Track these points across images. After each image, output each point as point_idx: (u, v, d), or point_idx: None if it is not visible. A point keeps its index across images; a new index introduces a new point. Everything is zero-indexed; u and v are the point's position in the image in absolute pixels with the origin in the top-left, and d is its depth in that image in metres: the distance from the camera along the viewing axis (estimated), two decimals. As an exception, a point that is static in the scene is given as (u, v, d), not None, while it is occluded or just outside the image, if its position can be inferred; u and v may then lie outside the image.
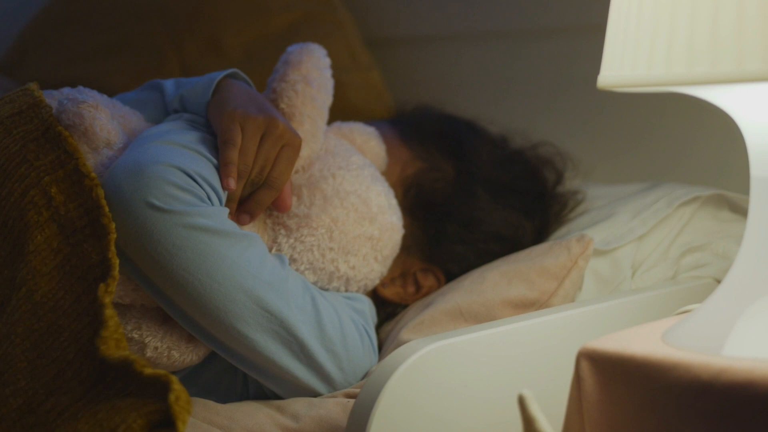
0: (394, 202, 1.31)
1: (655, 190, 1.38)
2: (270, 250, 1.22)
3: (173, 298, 1.12)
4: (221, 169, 1.15)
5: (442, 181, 1.39)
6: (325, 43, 1.88)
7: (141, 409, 0.99)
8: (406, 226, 1.35)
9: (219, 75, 1.24)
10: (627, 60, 0.91)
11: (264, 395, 1.20)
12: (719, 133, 1.50)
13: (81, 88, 1.21)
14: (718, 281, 1.27)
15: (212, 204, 1.13)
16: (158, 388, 1.00)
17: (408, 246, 1.35)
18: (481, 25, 1.86)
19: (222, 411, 1.14)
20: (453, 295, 1.27)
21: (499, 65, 1.83)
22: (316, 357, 1.15)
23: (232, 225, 1.13)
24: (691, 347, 0.92)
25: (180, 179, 1.10)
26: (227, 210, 1.14)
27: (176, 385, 0.99)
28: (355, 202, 1.25)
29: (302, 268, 1.23)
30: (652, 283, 1.30)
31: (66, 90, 1.21)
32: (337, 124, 1.38)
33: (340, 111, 1.83)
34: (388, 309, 1.36)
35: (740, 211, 1.37)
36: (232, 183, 1.14)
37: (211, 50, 1.86)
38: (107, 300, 1.04)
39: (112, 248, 1.06)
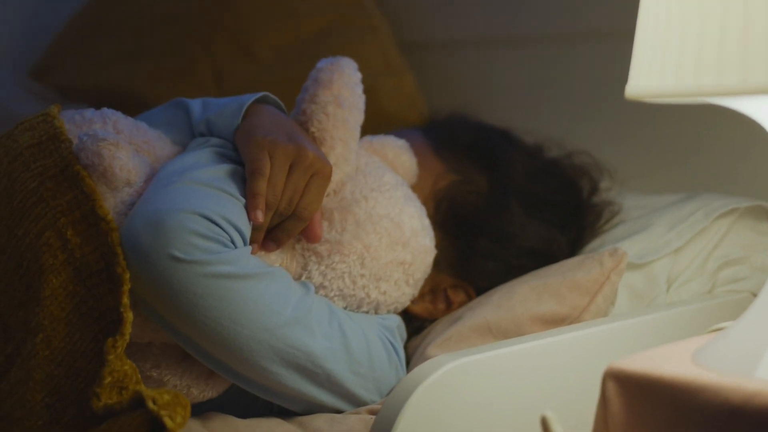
0: (426, 222, 1.28)
1: (691, 202, 1.35)
2: (299, 277, 1.20)
3: (195, 340, 1.10)
4: (248, 201, 1.12)
5: (474, 195, 1.36)
6: (357, 48, 1.88)
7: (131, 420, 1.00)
8: (436, 241, 1.31)
9: (248, 99, 1.21)
10: (655, 70, 0.88)
11: (285, 410, 1.18)
12: (760, 144, 1.47)
13: (105, 111, 1.19)
14: (756, 295, 1.24)
15: (236, 246, 1.10)
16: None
17: (438, 262, 1.32)
18: (517, 30, 1.84)
19: (242, 427, 1.12)
20: (482, 310, 1.24)
21: (535, 70, 1.81)
22: (343, 383, 1.14)
23: (255, 262, 1.11)
24: (723, 368, 0.89)
25: (202, 227, 1.07)
26: (249, 248, 1.12)
27: (147, 392, 0.99)
28: (388, 226, 1.22)
29: (332, 294, 1.20)
30: (688, 297, 1.27)
31: (89, 113, 1.19)
32: (367, 139, 1.34)
33: (373, 117, 1.81)
34: (416, 323, 1.34)
35: (781, 223, 1.33)
36: (260, 215, 1.11)
37: (242, 54, 1.86)
38: (111, 357, 1.02)
39: (125, 300, 1.05)
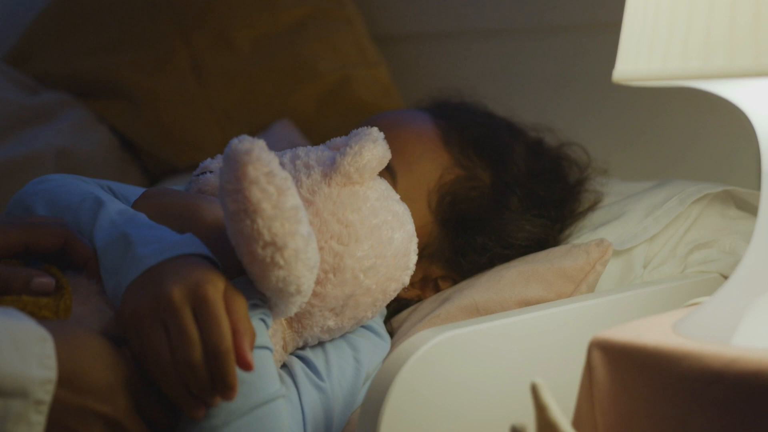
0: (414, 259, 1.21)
1: (665, 188, 1.39)
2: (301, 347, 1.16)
3: None
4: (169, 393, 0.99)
5: (477, 191, 1.35)
6: (333, 39, 1.90)
7: None
8: (434, 234, 1.33)
9: (146, 263, 1.02)
10: (643, 53, 0.92)
11: None
12: (725, 129, 1.52)
13: None
14: (725, 276, 1.29)
15: None
16: None
17: (432, 253, 1.34)
18: (488, 22, 1.87)
19: None
20: (470, 291, 1.27)
21: (506, 62, 1.84)
22: None
23: None
24: (702, 337, 0.94)
25: None
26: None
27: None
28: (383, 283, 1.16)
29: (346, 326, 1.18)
30: (661, 279, 1.32)
31: None
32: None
33: (348, 107, 1.85)
34: (403, 302, 1.36)
35: (747, 207, 1.38)
36: (198, 410, 0.99)
37: (220, 45, 1.87)
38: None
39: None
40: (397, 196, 1.19)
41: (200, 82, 1.85)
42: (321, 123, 1.84)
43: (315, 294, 1.11)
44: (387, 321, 1.33)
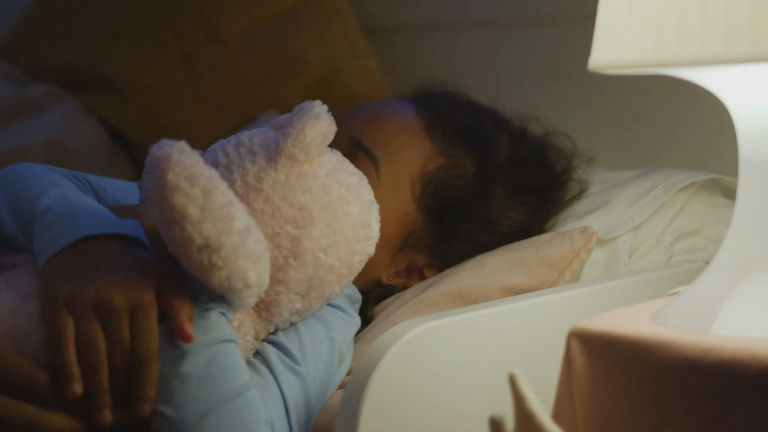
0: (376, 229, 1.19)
1: (650, 177, 1.39)
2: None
3: None
4: (60, 374, 0.99)
5: (461, 179, 1.35)
6: (322, 30, 1.90)
7: None
8: (418, 222, 1.33)
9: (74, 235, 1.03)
10: (618, 42, 0.92)
11: None
12: (710, 118, 1.51)
13: None
14: (710, 265, 1.28)
15: None
16: None
17: (417, 242, 1.34)
18: (476, 13, 1.88)
19: None
20: (453, 278, 1.27)
21: (493, 53, 1.84)
22: None
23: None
24: (681, 327, 0.93)
25: None
26: None
27: None
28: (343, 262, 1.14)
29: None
30: (647, 268, 1.31)
31: None
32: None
33: (338, 98, 1.84)
34: (386, 288, 1.36)
35: (733, 196, 1.38)
36: (77, 387, 0.99)
37: (209, 37, 1.88)
38: None
39: None
40: (351, 167, 1.16)
41: (190, 75, 1.85)
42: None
43: (278, 281, 1.10)
44: (370, 308, 1.33)
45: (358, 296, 1.26)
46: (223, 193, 0.98)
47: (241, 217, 0.99)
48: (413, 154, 1.34)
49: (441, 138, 1.36)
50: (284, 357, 1.12)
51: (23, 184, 1.12)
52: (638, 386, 0.92)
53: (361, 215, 1.13)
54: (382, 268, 1.34)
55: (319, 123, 1.08)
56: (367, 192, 1.15)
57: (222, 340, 1.03)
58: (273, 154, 1.10)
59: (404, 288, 1.36)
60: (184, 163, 0.97)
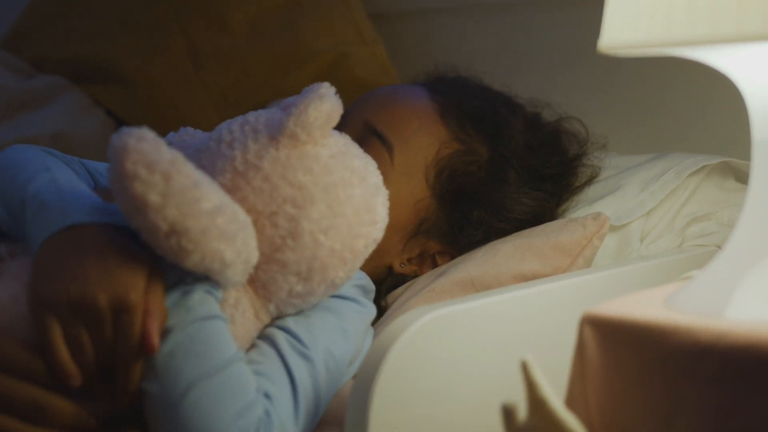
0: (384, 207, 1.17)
1: (661, 161, 1.38)
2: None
3: None
4: (57, 374, 1.00)
5: (475, 165, 1.34)
6: (329, 18, 1.89)
7: None
8: (431, 209, 1.32)
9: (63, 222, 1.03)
10: (628, 22, 0.90)
11: None
12: (724, 102, 1.50)
13: None
14: (723, 249, 1.27)
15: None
16: None
17: (429, 228, 1.33)
18: (485, -3, 1.86)
19: None
20: (465, 266, 1.26)
21: (503, 38, 1.83)
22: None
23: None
24: (693, 311, 0.92)
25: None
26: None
27: None
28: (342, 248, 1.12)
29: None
30: (658, 252, 1.30)
31: None
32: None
33: (346, 86, 1.82)
34: (398, 278, 1.35)
35: (745, 179, 1.36)
36: (76, 381, 1.01)
37: (216, 26, 1.86)
38: None
39: None
40: (359, 151, 1.14)
41: (196, 65, 1.84)
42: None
43: (275, 261, 1.08)
44: (383, 297, 1.32)
45: (372, 287, 1.25)
46: (187, 175, 0.98)
47: (209, 197, 0.99)
48: (427, 140, 1.33)
49: (455, 123, 1.35)
50: (293, 340, 1.11)
51: (13, 170, 1.11)
52: (650, 372, 0.91)
53: (365, 199, 1.11)
54: (395, 255, 1.33)
55: (323, 103, 1.07)
56: (373, 176, 1.14)
57: (206, 317, 1.03)
58: (275, 133, 1.08)
59: (416, 276, 1.35)
60: (142, 150, 0.96)
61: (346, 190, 1.10)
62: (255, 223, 1.06)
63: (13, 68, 1.84)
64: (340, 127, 1.20)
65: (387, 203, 1.15)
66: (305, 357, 1.10)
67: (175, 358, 1.01)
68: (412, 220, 1.33)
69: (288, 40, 1.87)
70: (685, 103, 1.63)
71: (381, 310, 1.29)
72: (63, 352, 0.99)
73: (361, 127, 1.32)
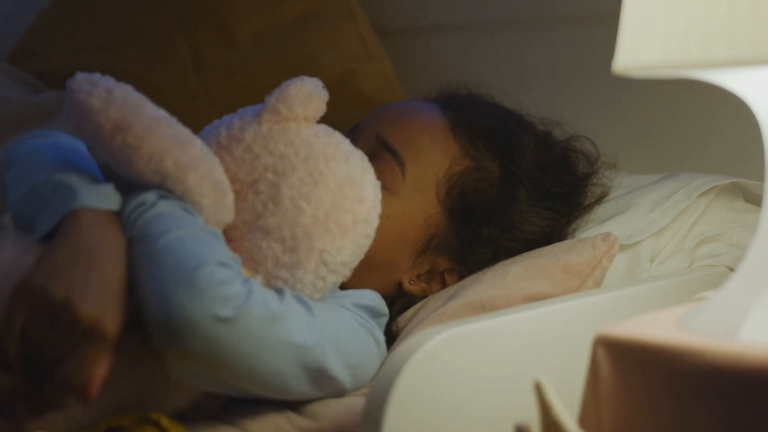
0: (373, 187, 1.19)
1: (672, 181, 1.37)
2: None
3: (233, 384, 1.08)
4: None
5: (486, 183, 1.34)
6: (335, 33, 1.89)
7: None
8: (441, 225, 1.32)
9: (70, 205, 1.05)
10: (643, 43, 0.90)
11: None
12: (736, 123, 1.50)
13: None
14: (733, 270, 1.27)
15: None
16: None
17: (439, 245, 1.33)
18: (493, 14, 1.86)
19: (234, 411, 1.13)
20: (475, 288, 1.26)
21: (512, 55, 1.83)
22: (339, 381, 1.13)
23: (268, 294, 1.07)
24: (707, 333, 0.92)
25: (224, 274, 1.03)
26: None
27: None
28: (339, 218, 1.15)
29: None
30: (668, 273, 1.30)
31: None
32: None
33: (352, 101, 1.83)
34: (408, 299, 1.34)
35: (755, 200, 1.37)
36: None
37: (221, 40, 1.87)
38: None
39: None
40: (347, 142, 1.19)
41: (201, 77, 1.85)
42: (324, 118, 1.82)
43: (258, 228, 1.11)
44: (392, 320, 1.31)
45: (384, 310, 1.24)
46: (129, 90, 1.06)
47: (154, 110, 1.05)
48: (439, 156, 1.33)
49: (466, 140, 1.35)
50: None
51: (27, 161, 1.14)
52: (665, 394, 0.91)
53: (349, 174, 1.15)
54: (404, 271, 1.33)
55: (304, 83, 1.14)
56: (361, 161, 1.18)
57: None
58: (259, 110, 1.16)
59: (425, 295, 1.34)
60: (89, 77, 1.05)
61: (328, 163, 1.14)
62: (238, 192, 1.12)
63: (21, 82, 1.84)
64: (352, 141, 1.21)
65: (378, 186, 1.18)
66: (310, 312, 1.11)
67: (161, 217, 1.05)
68: (422, 236, 1.32)
69: (294, 54, 1.87)
70: (694, 122, 1.63)
71: (392, 335, 1.29)
72: (12, 341, 0.99)
73: (373, 141, 1.32)
